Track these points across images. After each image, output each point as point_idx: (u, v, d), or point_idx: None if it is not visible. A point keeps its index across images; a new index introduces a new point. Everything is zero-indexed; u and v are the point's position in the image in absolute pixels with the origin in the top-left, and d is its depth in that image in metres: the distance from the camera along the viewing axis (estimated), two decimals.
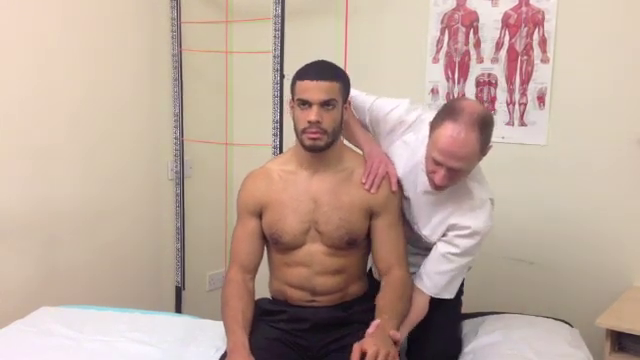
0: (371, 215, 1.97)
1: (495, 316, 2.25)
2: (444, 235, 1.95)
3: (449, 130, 1.76)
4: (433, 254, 1.97)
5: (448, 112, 1.80)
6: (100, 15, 2.84)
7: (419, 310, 1.96)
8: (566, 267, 2.66)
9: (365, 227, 1.98)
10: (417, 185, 2.00)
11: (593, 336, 2.28)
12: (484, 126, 1.79)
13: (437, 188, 1.88)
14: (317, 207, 1.94)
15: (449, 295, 1.98)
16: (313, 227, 1.95)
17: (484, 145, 1.82)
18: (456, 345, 2.08)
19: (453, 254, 1.93)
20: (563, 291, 2.66)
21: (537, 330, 2.12)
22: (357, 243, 1.98)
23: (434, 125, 1.82)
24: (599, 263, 2.58)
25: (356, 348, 1.70)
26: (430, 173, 1.86)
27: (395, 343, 1.77)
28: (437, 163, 1.80)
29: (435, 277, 1.95)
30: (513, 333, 2.06)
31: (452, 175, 1.81)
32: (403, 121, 2.03)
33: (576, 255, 2.63)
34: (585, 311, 2.40)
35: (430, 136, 1.83)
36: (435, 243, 1.97)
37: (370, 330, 1.78)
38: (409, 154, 2.01)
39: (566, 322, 2.24)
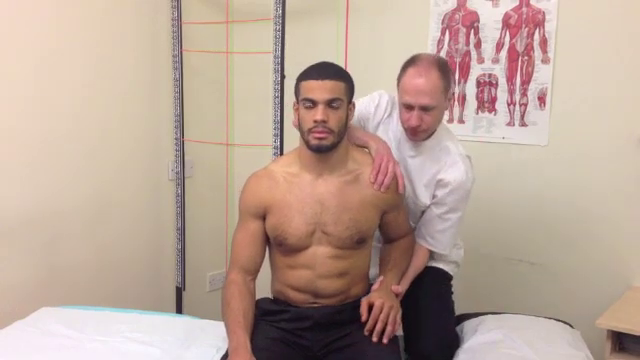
0: (382, 212, 2.02)
1: (495, 316, 2.25)
2: (434, 197, 2.11)
3: (411, 72, 1.99)
4: (428, 216, 2.14)
5: (408, 62, 2.03)
6: (101, 16, 2.84)
7: (419, 263, 2.14)
8: (566, 267, 2.66)
9: (376, 224, 2.03)
10: (404, 153, 2.14)
11: (594, 337, 2.28)
12: (442, 66, 2.01)
13: (414, 133, 2.05)
14: (324, 209, 1.93)
15: (448, 251, 2.19)
16: (319, 229, 1.94)
17: (446, 84, 2.01)
18: (453, 339, 2.10)
19: (445, 212, 2.11)
20: (563, 291, 2.66)
21: (537, 330, 2.12)
22: (366, 240, 2.00)
23: (399, 77, 2.03)
24: (599, 263, 2.58)
25: (364, 302, 1.89)
26: (405, 122, 2.03)
27: (397, 296, 1.96)
28: (408, 107, 2.00)
29: (437, 235, 2.14)
30: (513, 333, 2.06)
31: (424, 116, 2.00)
32: (388, 107, 2.19)
33: (576, 255, 2.63)
34: (585, 311, 2.40)
35: (398, 88, 2.03)
36: (429, 206, 2.14)
37: (375, 286, 1.97)
38: (393, 131, 2.16)
39: (567, 323, 2.24)
